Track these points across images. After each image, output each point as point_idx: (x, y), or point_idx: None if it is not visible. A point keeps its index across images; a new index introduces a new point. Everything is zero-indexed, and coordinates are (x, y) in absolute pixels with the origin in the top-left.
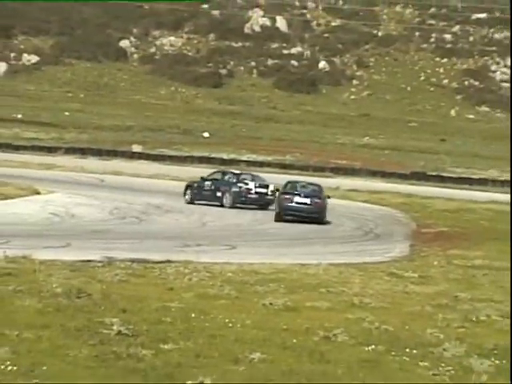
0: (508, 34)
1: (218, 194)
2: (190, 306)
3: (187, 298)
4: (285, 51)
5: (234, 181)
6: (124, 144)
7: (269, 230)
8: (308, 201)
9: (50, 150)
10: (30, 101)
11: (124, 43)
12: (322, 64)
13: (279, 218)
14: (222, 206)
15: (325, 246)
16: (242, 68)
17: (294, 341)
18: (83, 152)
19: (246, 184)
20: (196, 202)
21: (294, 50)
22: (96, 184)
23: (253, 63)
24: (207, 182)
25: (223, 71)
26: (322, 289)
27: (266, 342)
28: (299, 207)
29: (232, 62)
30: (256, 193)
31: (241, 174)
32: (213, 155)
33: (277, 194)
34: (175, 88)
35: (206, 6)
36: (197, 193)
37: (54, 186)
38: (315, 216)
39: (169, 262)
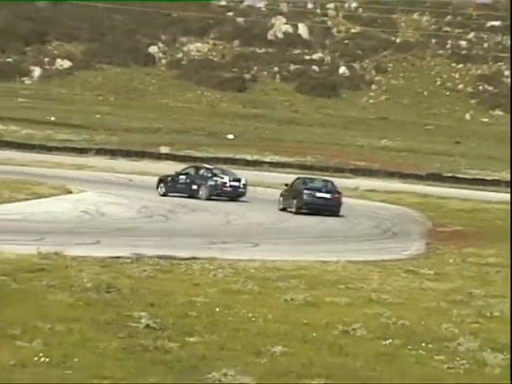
0: None
1: (194, 187)
2: (215, 300)
3: (212, 293)
4: (306, 57)
5: (209, 175)
6: (152, 145)
7: (290, 229)
8: (328, 195)
9: (82, 151)
10: (63, 104)
11: (152, 49)
12: (342, 69)
13: (299, 211)
14: (197, 198)
15: (344, 244)
16: (265, 73)
17: (314, 334)
18: (113, 153)
19: (222, 178)
20: (169, 194)
21: (315, 56)
22: (125, 183)
23: (276, 68)
24: (182, 176)
25: (247, 76)
26: (341, 285)
27: (287, 335)
28: (320, 201)
29: (256, 67)
30: (230, 186)
31: (214, 168)
32: (237, 156)
33: (284, 188)
34: (201, 92)
35: (230, 13)
36: (171, 186)
37: (85, 185)
38: (334, 209)
39: (194, 258)
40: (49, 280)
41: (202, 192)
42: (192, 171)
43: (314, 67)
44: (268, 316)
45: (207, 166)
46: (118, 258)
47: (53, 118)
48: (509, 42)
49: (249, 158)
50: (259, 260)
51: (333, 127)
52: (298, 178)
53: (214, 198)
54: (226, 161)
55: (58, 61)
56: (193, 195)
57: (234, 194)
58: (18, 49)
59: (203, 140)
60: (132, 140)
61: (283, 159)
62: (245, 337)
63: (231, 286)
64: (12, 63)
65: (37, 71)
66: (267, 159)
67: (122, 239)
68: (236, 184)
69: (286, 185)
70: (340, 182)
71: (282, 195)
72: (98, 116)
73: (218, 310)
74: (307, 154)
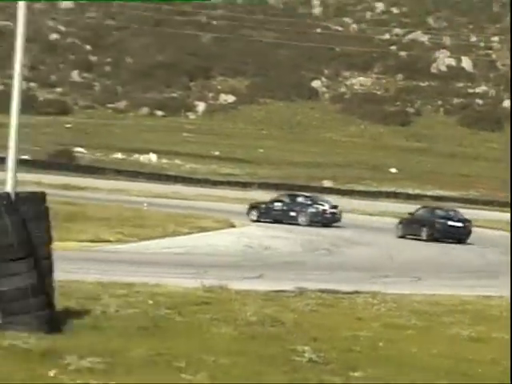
0: None
1: (292, 213)
2: (378, 335)
3: (375, 327)
4: (470, 90)
5: (309, 202)
6: (315, 179)
7: (453, 262)
8: (461, 224)
9: (245, 185)
10: (227, 138)
11: (316, 83)
12: (507, 102)
13: (429, 238)
14: (295, 224)
15: (506, 279)
16: (428, 106)
17: (480, 371)
18: (276, 187)
19: (322, 205)
20: (262, 220)
21: (478, 89)
22: None
23: (439, 102)
24: (277, 203)
25: (410, 110)
26: (507, 321)
27: (452, 371)
28: (452, 229)
29: (419, 101)
30: (330, 213)
31: (311, 196)
32: (398, 190)
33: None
34: (364, 126)
35: (394, 47)
36: (265, 212)
37: (248, 219)
38: (464, 238)
39: (357, 292)
40: (213, 313)
41: (302, 218)
42: (287, 199)
43: (478, 100)
44: (432, 351)
45: (304, 194)
46: (281, 291)
47: (217, 153)
48: None
49: (410, 191)
50: (422, 294)
51: (497, 161)
52: (422, 207)
53: (314, 224)
54: (389, 195)
55: (222, 95)
56: (289, 221)
57: (332, 220)
58: (182, 84)
59: (366, 174)
60: (295, 174)
61: (445, 193)
62: (409, 372)
63: (394, 320)
64: (177, 98)
65: (201, 106)
66: (429, 193)
67: (285, 273)
68: (334, 211)
69: (410, 214)
70: (504, 215)
71: (401, 223)
72: (262, 150)
73: (381, 344)
74: (470, 188)
